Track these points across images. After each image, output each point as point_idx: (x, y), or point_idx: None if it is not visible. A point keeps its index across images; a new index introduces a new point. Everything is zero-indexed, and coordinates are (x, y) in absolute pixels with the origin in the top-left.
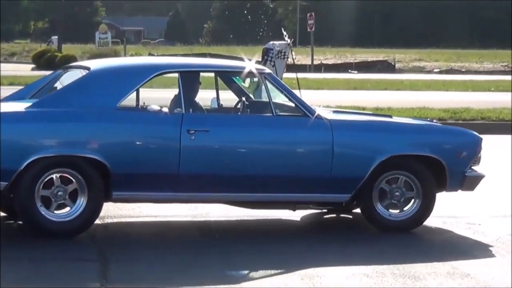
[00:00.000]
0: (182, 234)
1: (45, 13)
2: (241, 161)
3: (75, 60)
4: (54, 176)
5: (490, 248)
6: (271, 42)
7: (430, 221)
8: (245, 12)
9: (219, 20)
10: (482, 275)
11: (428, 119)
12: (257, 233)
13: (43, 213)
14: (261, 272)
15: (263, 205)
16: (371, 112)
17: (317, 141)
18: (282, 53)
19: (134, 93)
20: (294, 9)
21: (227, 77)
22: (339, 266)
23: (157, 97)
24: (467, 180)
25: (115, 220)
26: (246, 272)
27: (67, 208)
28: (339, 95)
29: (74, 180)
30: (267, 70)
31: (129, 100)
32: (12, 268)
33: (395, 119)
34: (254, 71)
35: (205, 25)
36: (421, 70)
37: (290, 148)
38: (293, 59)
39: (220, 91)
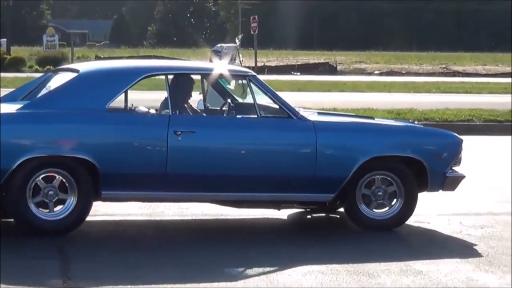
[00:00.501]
0: (138, 233)
1: None
2: (226, 162)
3: (23, 62)
4: (44, 175)
5: (442, 246)
6: (219, 45)
7: None
8: (188, 15)
9: (163, 23)
10: (434, 272)
11: (410, 120)
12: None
13: (34, 212)
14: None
15: (249, 204)
16: (354, 114)
17: (301, 142)
18: (231, 56)
19: (123, 95)
20: (236, 12)
21: (213, 80)
22: (297, 265)
23: (148, 98)
24: (448, 181)
25: None
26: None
27: (58, 207)
28: (284, 97)
29: (64, 180)
30: (252, 73)
31: (118, 102)
32: None
33: (377, 120)
34: (239, 73)
35: (149, 28)
36: (362, 72)
37: (274, 149)
38: (240, 61)
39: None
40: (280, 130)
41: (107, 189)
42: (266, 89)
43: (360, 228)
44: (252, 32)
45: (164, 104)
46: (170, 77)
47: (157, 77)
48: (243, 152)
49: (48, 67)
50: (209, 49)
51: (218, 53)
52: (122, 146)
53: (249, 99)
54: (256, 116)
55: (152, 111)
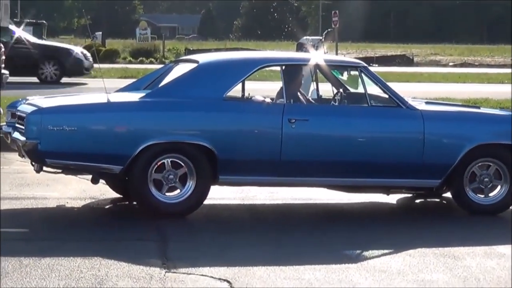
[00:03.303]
0: (232, 215)
1: (87, 11)
2: (338, 148)
3: (118, 54)
4: (165, 161)
5: None
6: (305, 37)
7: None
8: (271, 10)
9: (248, 17)
10: None
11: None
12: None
13: (155, 195)
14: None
15: (359, 189)
16: (460, 104)
17: (409, 130)
18: (315, 47)
19: (240, 85)
20: (317, 7)
21: (326, 71)
22: (384, 248)
23: (263, 88)
24: None
25: None
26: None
27: (176, 191)
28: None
29: (183, 165)
30: (363, 64)
31: (235, 91)
32: (78, 247)
33: (483, 110)
34: (351, 64)
35: (234, 22)
36: (437, 63)
37: (384, 137)
38: (325, 52)
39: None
40: (390, 119)
41: (224, 174)
42: (377, 80)
43: (466, 212)
44: (333, 26)
45: (279, 93)
46: (285, 68)
47: (271, 68)
48: (353, 139)
49: (140, 58)
50: (292, 42)
51: (304, 45)
52: (238, 133)
53: (360, 89)
54: (366, 105)
55: (268, 100)
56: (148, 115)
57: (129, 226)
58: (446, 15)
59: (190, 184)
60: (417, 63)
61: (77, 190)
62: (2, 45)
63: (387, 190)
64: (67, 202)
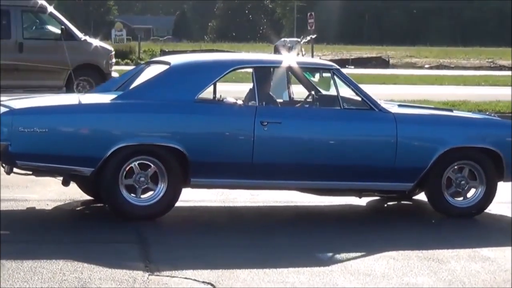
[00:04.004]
0: (212, 218)
1: (61, 12)
2: (310, 151)
3: None
4: (136, 163)
5: (507, 233)
6: (283, 39)
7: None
8: (246, 11)
9: (223, 19)
10: (502, 258)
11: (487, 112)
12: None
13: (126, 197)
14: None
15: (332, 192)
16: (433, 106)
17: (381, 133)
18: (292, 49)
19: (211, 87)
20: (292, 9)
21: (298, 73)
22: (366, 250)
23: (233, 90)
24: None
25: None
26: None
27: (149, 193)
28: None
29: (155, 167)
30: (335, 66)
31: (206, 93)
32: (59, 250)
33: (456, 113)
34: (324, 66)
35: (209, 24)
36: (413, 65)
37: (356, 140)
38: (302, 55)
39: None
40: (362, 122)
41: (195, 176)
42: (349, 82)
43: (443, 215)
44: (309, 28)
45: (250, 95)
46: (256, 70)
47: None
48: (326, 142)
49: (116, 60)
50: (267, 44)
51: (282, 47)
52: (210, 135)
53: (332, 92)
54: (339, 107)
55: (239, 102)
56: (119, 117)
57: (109, 228)
58: (420, 18)
59: (162, 187)
60: (393, 65)
61: (57, 192)
62: (112, 49)
63: (359, 193)
64: (47, 204)
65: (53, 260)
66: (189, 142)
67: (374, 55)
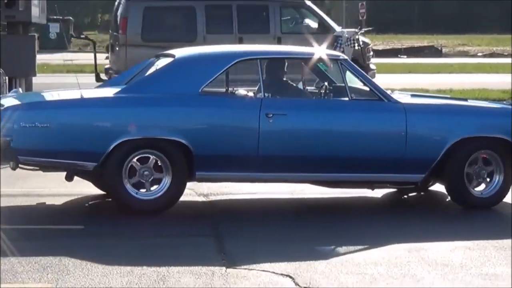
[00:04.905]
0: (281, 210)
1: (110, 7)
2: (317, 143)
3: None
4: (139, 157)
5: None
6: (340, 30)
7: None
8: None
9: None
10: None
11: (505, 101)
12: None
13: (130, 191)
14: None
15: (342, 184)
16: (448, 96)
17: (391, 124)
18: (351, 40)
19: (224, 78)
20: None
21: (308, 63)
22: (440, 240)
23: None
24: None
25: (219, 198)
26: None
27: (154, 187)
28: (397, 79)
29: (159, 161)
30: (343, 56)
31: (212, 85)
32: (135, 245)
33: (470, 102)
34: (331, 57)
35: None
36: (465, 54)
37: (365, 131)
38: (360, 46)
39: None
40: (371, 112)
41: (201, 170)
42: (357, 73)
43: (462, 206)
44: (360, 18)
45: (258, 87)
46: (262, 61)
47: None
48: (333, 134)
49: None
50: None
51: (339, 38)
52: (214, 128)
53: (341, 82)
54: (347, 99)
55: (246, 94)
56: (122, 111)
57: (183, 221)
58: (470, 6)
59: (166, 181)
60: (446, 54)
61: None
62: (369, 41)
63: (371, 185)
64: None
65: (131, 255)
66: (193, 135)
67: (425, 44)
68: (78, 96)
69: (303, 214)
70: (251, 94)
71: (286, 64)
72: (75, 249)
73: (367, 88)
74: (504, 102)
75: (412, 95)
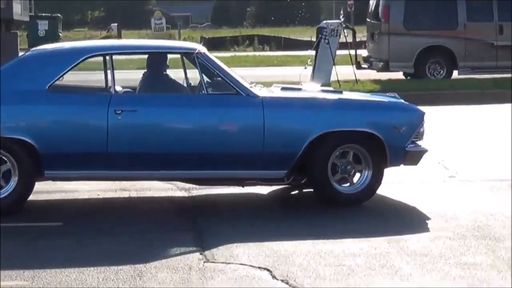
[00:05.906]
0: (261, 204)
1: (99, 3)
2: (170, 140)
3: None
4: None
5: None
6: (325, 21)
7: None
8: None
9: (261, 4)
10: None
11: (388, 93)
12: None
13: None
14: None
15: (211, 182)
16: (323, 89)
17: (247, 119)
18: (335, 31)
19: (67, 75)
20: None
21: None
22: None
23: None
24: (409, 155)
25: (200, 193)
26: None
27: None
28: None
29: (7, 161)
30: (198, 49)
31: (60, 82)
32: (112, 241)
33: (344, 95)
34: (186, 50)
35: (248, 9)
36: None
37: (218, 126)
38: (345, 36)
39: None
40: (225, 107)
41: (49, 169)
42: (214, 66)
43: (326, 203)
44: (348, 10)
45: (141, 82)
46: (112, 57)
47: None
48: (184, 130)
49: None
50: (306, 27)
51: (324, 29)
52: (61, 126)
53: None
54: (202, 93)
55: (128, 90)
56: None
57: (162, 216)
58: None
59: (13, 180)
60: None
61: (107, 183)
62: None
63: (240, 182)
64: (98, 194)
65: (107, 250)
66: (38, 133)
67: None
68: None
69: (283, 208)
70: (129, 90)
71: (168, 58)
72: (52, 247)
73: (225, 82)
74: (388, 93)
75: (282, 88)
